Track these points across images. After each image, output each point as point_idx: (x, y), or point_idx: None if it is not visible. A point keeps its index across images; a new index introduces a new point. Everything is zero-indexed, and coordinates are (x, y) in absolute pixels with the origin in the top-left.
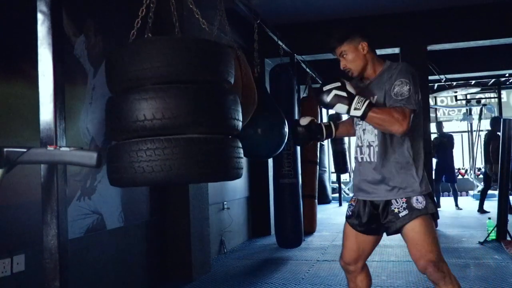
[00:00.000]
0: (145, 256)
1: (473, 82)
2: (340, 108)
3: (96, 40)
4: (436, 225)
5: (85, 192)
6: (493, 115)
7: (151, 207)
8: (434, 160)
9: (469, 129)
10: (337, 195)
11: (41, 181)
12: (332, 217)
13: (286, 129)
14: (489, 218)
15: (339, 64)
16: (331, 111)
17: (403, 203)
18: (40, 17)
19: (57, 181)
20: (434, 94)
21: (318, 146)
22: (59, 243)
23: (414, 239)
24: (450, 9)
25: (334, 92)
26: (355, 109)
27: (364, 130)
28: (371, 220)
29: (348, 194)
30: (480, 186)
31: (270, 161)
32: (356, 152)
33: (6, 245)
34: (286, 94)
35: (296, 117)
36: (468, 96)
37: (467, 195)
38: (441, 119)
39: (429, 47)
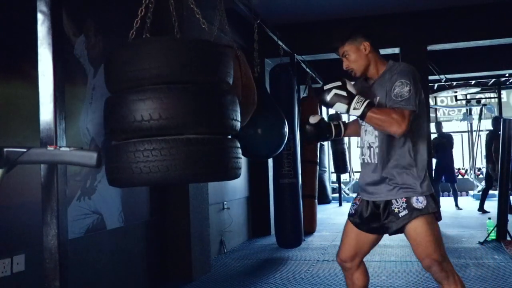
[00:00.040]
0: (145, 256)
1: (473, 82)
2: (340, 107)
3: (96, 40)
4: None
5: (85, 192)
6: (493, 115)
7: (151, 207)
8: (434, 160)
9: (469, 129)
10: (337, 195)
11: (41, 181)
12: (332, 217)
13: (286, 129)
14: (489, 218)
15: (341, 64)
16: (332, 111)
17: (403, 203)
18: (40, 17)
19: (57, 181)
20: (434, 94)
21: (318, 146)
22: (59, 243)
23: (417, 239)
24: (450, 9)
25: (334, 91)
26: (354, 108)
27: (366, 131)
28: (373, 219)
29: (348, 194)
30: (480, 186)
31: (270, 161)
32: (359, 153)
33: (6, 245)
34: (286, 94)
35: (296, 117)
36: (468, 96)
37: (467, 195)
38: (441, 119)
39: (429, 47)
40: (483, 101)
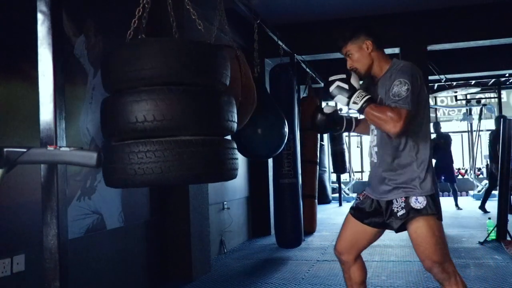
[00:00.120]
0: (145, 256)
1: (473, 82)
2: (340, 99)
3: (96, 40)
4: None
5: (85, 192)
6: (493, 115)
7: (151, 207)
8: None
9: (469, 129)
10: (337, 195)
11: (41, 181)
12: (332, 217)
13: (286, 129)
14: (489, 218)
15: (341, 64)
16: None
17: (401, 202)
18: (40, 17)
19: (57, 181)
20: (434, 94)
21: (318, 146)
22: (59, 243)
23: (418, 240)
24: (450, 9)
25: (337, 83)
26: (353, 102)
27: (372, 130)
28: (375, 214)
29: (348, 194)
30: (481, 186)
31: (270, 161)
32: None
33: (6, 245)
34: (286, 94)
35: (296, 117)
36: (468, 96)
37: (467, 195)
38: (441, 119)
39: (429, 47)
40: (483, 101)
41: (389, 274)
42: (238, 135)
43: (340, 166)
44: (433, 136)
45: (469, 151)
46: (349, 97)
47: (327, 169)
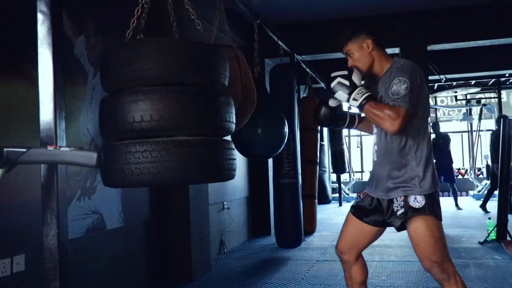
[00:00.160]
0: (145, 256)
1: (473, 82)
2: (341, 95)
3: (96, 40)
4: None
5: (85, 192)
6: (493, 115)
7: (151, 207)
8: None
9: (469, 129)
10: (337, 195)
11: (41, 181)
12: (332, 217)
13: (286, 129)
14: (489, 218)
15: (341, 64)
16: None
17: (401, 201)
18: (40, 17)
19: (57, 181)
20: (434, 94)
21: (318, 146)
22: (59, 243)
23: (417, 240)
24: (450, 9)
25: (339, 79)
26: (353, 99)
27: (374, 129)
28: (375, 213)
29: (348, 194)
30: (480, 186)
31: (270, 161)
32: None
33: (6, 245)
34: (286, 94)
35: (296, 117)
36: (468, 96)
37: (467, 195)
38: (441, 119)
39: (429, 47)
40: (483, 101)
41: (389, 274)
42: (238, 135)
43: (339, 166)
44: (432, 136)
45: (469, 151)
46: (349, 94)
47: (327, 169)
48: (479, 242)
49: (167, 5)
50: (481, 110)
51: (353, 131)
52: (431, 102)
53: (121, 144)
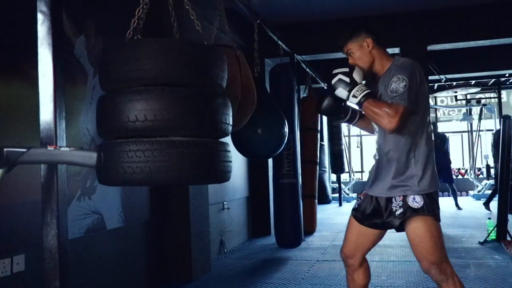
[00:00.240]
0: (145, 256)
1: (473, 82)
2: (341, 92)
3: (96, 40)
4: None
5: (85, 192)
6: (493, 115)
7: (151, 207)
8: None
9: (469, 129)
10: (337, 195)
11: (41, 181)
12: (332, 217)
13: (286, 129)
14: (489, 218)
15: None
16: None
17: (400, 201)
18: (40, 17)
19: (57, 181)
20: (434, 94)
21: (318, 146)
22: (59, 243)
23: (415, 240)
24: (450, 9)
25: (339, 76)
26: (353, 96)
27: (375, 127)
28: (374, 214)
29: (348, 194)
30: (480, 186)
31: (270, 161)
32: None
33: (6, 245)
34: (286, 94)
35: (296, 117)
36: (468, 96)
37: (467, 195)
38: (441, 119)
39: (429, 47)
40: (483, 101)
41: (389, 274)
42: (238, 135)
43: (338, 166)
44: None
45: (469, 151)
46: (349, 91)
47: (327, 169)
48: (479, 242)
49: (168, 5)
50: (481, 110)
51: (353, 131)
52: (431, 102)
53: (115, 143)
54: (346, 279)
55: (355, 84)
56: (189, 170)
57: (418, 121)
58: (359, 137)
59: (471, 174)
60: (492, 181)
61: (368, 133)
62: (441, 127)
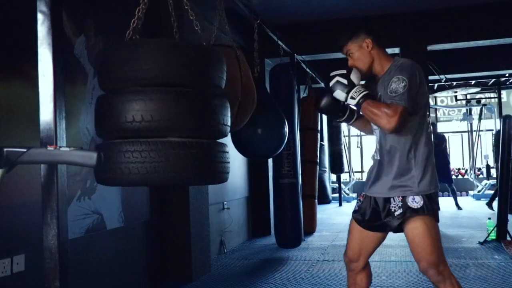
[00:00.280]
0: (145, 256)
1: (473, 82)
2: (339, 94)
3: (96, 40)
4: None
5: (85, 192)
6: (493, 115)
7: (151, 207)
8: None
9: (469, 129)
10: (337, 195)
11: (41, 181)
12: (332, 217)
13: (286, 129)
14: (489, 218)
15: (341, 64)
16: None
17: (399, 201)
18: (40, 17)
19: (57, 181)
20: (434, 94)
21: (318, 146)
22: (59, 243)
23: (414, 240)
24: (450, 9)
25: (337, 78)
26: (351, 97)
27: (375, 128)
28: (374, 217)
29: (348, 194)
30: (480, 186)
31: (270, 161)
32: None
33: (6, 245)
34: (286, 94)
35: (296, 117)
36: (468, 96)
37: (467, 195)
38: (441, 119)
39: (429, 47)
40: (483, 101)
41: (389, 274)
42: (238, 135)
43: (337, 166)
44: None
45: (469, 151)
46: (347, 92)
47: (327, 169)
48: (479, 242)
49: (168, 6)
50: (481, 110)
51: (353, 131)
52: (431, 102)
53: (113, 143)
54: (347, 283)
55: (353, 85)
56: (186, 171)
57: (418, 122)
58: (359, 137)
59: (471, 174)
60: (492, 181)
61: (364, 134)
62: (441, 127)
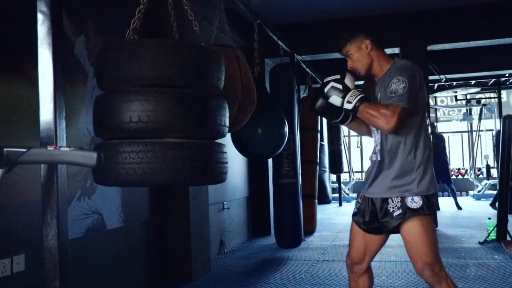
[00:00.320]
0: (145, 256)
1: (473, 82)
2: (335, 100)
3: (96, 40)
4: (436, 225)
5: (85, 192)
6: (493, 115)
7: (151, 207)
8: None
9: (469, 129)
10: (337, 195)
11: (41, 181)
12: (332, 217)
13: (286, 129)
14: (489, 218)
15: (341, 63)
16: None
17: (398, 202)
18: (40, 17)
19: (57, 181)
20: (434, 94)
21: (318, 146)
22: (59, 243)
23: (411, 241)
24: (450, 9)
25: (332, 84)
26: (347, 102)
27: (374, 130)
28: (372, 218)
29: (348, 194)
30: (480, 186)
31: (270, 161)
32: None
33: (6, 245)
34: (286, 94)
35: (296, 117)
36: (468, 96)
37: (467, 195)
38: (441, 119)
39: (429, 47)
40: (483, 101)
41: (389, 274)
42: (238, 135)
43: (336, 166)
44: None
45: (469, 151)
46: (343, 97)
47: (327, 169)
48: (479, 242)
49: (167, 6)
50: (481, 110)
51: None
52: (431, 102)
53: (110, 143)
54: (349, 285)
55: (348, 90)
56: (183, 171)
57: (418, 123)
58: (359, 137)
59: (471, 174)
60: (492, 181)
61: (358, 134)
62: (441, 127)
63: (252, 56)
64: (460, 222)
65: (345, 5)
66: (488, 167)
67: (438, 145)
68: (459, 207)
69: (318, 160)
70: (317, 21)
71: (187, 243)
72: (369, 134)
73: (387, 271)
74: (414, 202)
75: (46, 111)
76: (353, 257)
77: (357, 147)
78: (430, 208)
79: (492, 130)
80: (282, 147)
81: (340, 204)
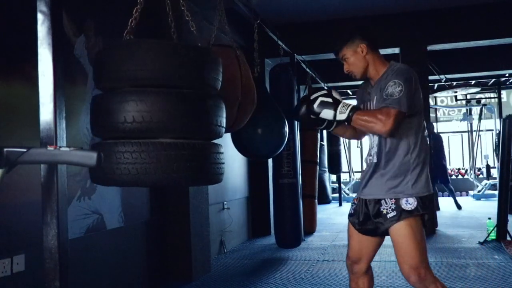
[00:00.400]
0: (145, 256)
1: (473, 82)
2: (327, 113)
3: (96, 40)
4: (436, 225)
5: (85, 192)
6: (493, 115)
7: (151, 207)
8: None
9: (469, 129)
10: (337, 195)
11: (41, 181)
12: (332, 217)
13: (286, 129)
14: (489, 218)
15: (341, 63)
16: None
17: (392, 204)
18: (40, 17)
19: (57, 181)
20: (434, 94)
21: (318, 146)
22: (59, 243)
23: (399, 242)
24: (450, 9)
25: (321, 99)
26: (340, 113)
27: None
28: (366, 219)
29: (348, 194)
30: (480, 186)
31: (270, 161)
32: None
33: (6, 245)
34: (286, 94)
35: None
36: (468, 96)
37: (467, 195)
38: (441, 119)
39: (429, 47)
40: (483, 101)
41: (389, 274)
42: (238, 135)
43: (335, 166)
44: None
45: (469, 151)
46: (335, 110)
47: (327, 169)
48: (479, 242)
49: (165, 6)
50: (481, 110)
51: None
52: (431, 102)
53: (106, 143)
54: (349, 285)
55: (338, 102)
56: (177, 172)
57: (415, 125)
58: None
59: (471, 174)
60: (492, 181)
61: (346, 138)
62: (441, 127)
63: (252, 56)
64: (460, 222)
65: (345, 5)
66: (488, 167)
67: (436, 144)
68: (459, 206)
69: (318, 160)
70: (317, 21)
71: (187, 243)
72: (355, 137)
73: (387, 271)
74: (409, 203)
75: (46, 111)
76: (351, 256)
77: (357, 147)
78: (424, 209)
79: (492, 130)
80: (282, 147)
81: (340, 204)
